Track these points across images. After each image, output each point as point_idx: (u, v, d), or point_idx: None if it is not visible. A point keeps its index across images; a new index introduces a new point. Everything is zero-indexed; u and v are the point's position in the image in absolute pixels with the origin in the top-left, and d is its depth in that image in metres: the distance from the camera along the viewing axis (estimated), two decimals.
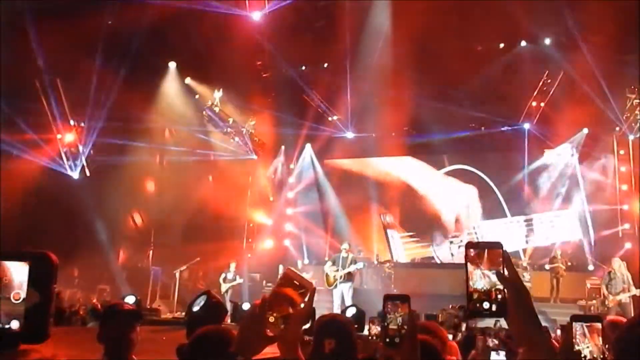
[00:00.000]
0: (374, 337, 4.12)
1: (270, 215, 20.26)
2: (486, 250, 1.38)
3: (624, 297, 11.27)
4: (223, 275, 14.99)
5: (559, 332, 9.93)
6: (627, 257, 13.27)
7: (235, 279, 14.89)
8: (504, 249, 1.37)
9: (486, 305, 1.36)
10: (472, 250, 1.39)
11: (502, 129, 16.94)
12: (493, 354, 4.20)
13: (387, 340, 1.72)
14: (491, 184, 17.58)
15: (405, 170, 18.82)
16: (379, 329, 7.82)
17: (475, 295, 1.37)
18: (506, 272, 1.36)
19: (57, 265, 1.43)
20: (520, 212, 17.30)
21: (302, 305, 1.62)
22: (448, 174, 18.28)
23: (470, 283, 1.38)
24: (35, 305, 1.34)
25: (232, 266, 15.21)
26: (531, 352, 1.35)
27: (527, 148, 17.06)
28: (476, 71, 14.66)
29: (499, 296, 1.35)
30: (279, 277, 1.70)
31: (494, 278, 1.36)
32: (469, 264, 1.39)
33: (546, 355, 1.36)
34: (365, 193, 18.83)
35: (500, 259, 1.37)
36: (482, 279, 1.37)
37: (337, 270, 12.35)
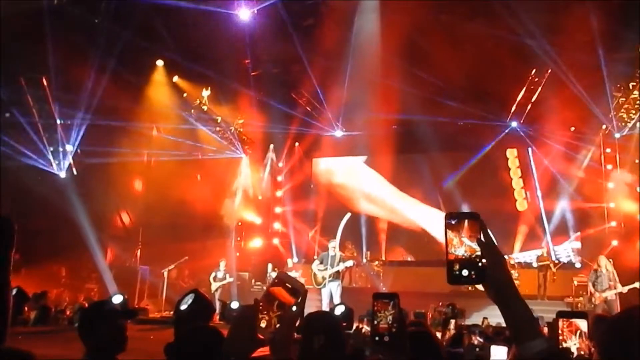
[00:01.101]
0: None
1: (259, 214, 20.25)
2: (466, 220, 1.43)
3: (610, 295, 11.35)
4: (213, 274, 14.95)
5: (545, 329, 10.01)
6: (613, 254, 13.41)
7: (225, 278, 14.85)
8: (480, 218, 1.43)
9: (465, 272, 1.40)
10: (452, 220, 1.44)
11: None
12: (493, 348, 4.24)
13: (377, 338, 1.73)
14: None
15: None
16: (367, 327, 7.84)
17: (455, 263, 1.41)
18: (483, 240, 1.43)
19: (16, 231, 1.41)
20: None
21: (294, 307, 1.62)
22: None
23: (452, 250, 1.42)
24: None
25: (222, 265, 15.16)
26: (511, 312, 1.41)
27: (514, 146, 17.19)
28: (465, 69, 14.69)
29: (479, 263, 1.40)
30: (269, 278, 1.70)
31: (474, 246, 1.41)
32: (449, 231, 1.43)
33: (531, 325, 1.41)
34: (353, 192, 18.86)
35: (479, 228, 1.42)
36: (462, 246, 1.41)
37: (326, 269, 12.34)
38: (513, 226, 17.02)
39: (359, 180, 19.30)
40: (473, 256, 1.40)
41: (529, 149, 17.26)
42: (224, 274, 14.94)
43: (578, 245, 16.18)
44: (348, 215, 18.03)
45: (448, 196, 17.42)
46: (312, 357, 2.50)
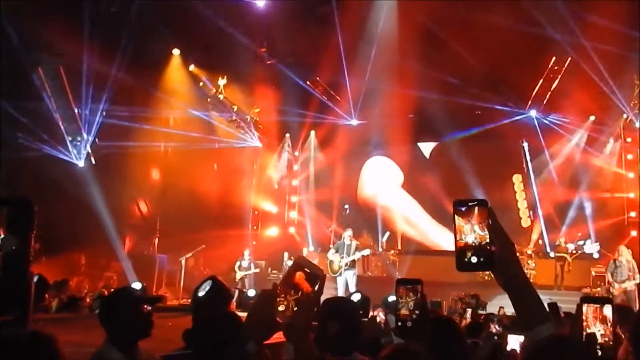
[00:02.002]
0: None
1: (275, 202, 20.29)
2: (475, 207, 1.43)
3: (630, 285, 11.25)
4: (238, 263, 15.09)
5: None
6: (632, 245, 13.23)
7: (250, 267, 14.96)
8: (489, 205, 1.43)
9: (474, 259, 1.41)
10: (461, 207, 1.44)
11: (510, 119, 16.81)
12: (510, 337, 4.24)
13: (399, 324, 1.73)
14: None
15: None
16: (382, 316, 7.84)
17: (465, 250, 1.41)
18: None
19: (36, 212, 1.41)
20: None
21: (312, 291, 1.62)
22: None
23: (462, 237, 1.42)
24: (12, 251, 1.32)
25: (246, 253, 15.28)
26: (519, 298, 1.44)
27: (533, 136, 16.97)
28: (482, 58, 14.54)
29: (488, 249, 1.40)
30: (285, 267, 1.70)
31: (483, 232, 1.41)
32: (458, 218, 1.43)
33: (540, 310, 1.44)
34: (370, 180, 18.82)
35: (487, 215, 1.42)
36: (472, 232, 1.41)
37: (342, 258, 12.34)
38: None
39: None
40: (483, 243, 1.40)
41: (541, 139, 16.96)
42: (249, 263, 15.04)
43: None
44: (387, 233, 17.90)
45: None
46: (327, 343, 2.49)
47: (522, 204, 17.05)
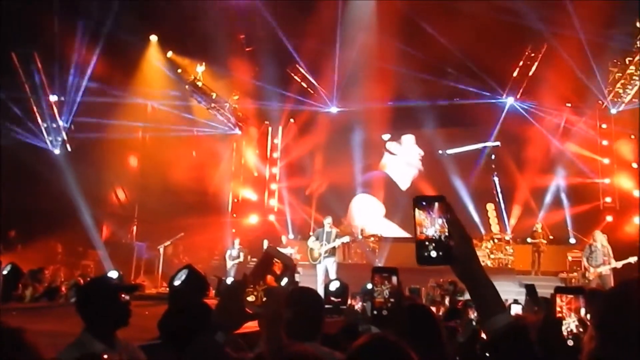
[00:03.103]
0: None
1: (254, 190, 20.24)
2: (435, 202, 1.48)
3: (605, 270, 11.43)
4: (228, 252, 15.06)
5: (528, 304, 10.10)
6: (608, 230, 13.45)
7: (239, 256, 14.92)
8: (446, 200, 1.48)
9: (434, 253, 1.45)
10: (422, 202, 1.49)
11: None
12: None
13: (375, 312, 1.72)
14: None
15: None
16: (360, 304, 7.88)
17: (425, 243, 1.46)
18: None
19: None
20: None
21: (282, 282, 1.62)
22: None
23: (423, 230, 1.47)
24: None
25: (236, 242, 15.28)
26: (476, 289, 1.48)
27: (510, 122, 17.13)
28: (460, 44, 14.58)
29: (447, 243, 1.45)
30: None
31: (443, 226, 1.46)
32: (421, 212, 1.48)
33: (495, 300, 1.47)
34: (350, 168, 18.83)
35: (446, 209, 1.47)
36: (432, 226, 1.46)
37: (322, 245, 12.36)
38: (508, 202, 17.07)
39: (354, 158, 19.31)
40: (442, 237, 1.45)
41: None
42: (238, 252, 15.01)
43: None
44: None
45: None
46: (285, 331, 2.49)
47: (495, 228, 17.31)
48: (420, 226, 1.47)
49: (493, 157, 17.70)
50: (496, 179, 17.56)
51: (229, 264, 14.83)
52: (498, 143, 17.58)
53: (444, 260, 1.45)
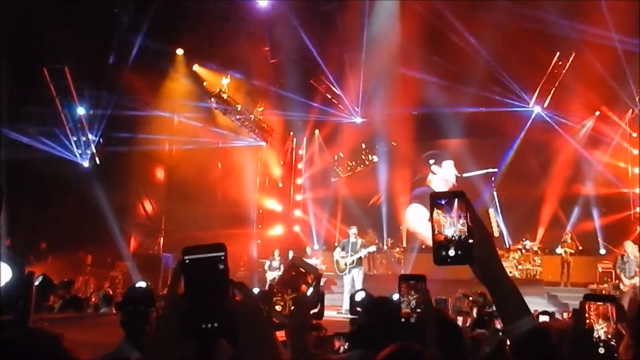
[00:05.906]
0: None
1: (279, 201, 20.30)
2: (455, 200, 1.38)
3: (638, 281, 11.19)
4: (267, 263, 15.09)
5: (565, 314, 9.92)
6: (639, 240, 13.18)
7: (280, 267, 14.91)
8: (466, 196, 1.39)
9: (452, 252, 1.36)
10: (440, 200, 1.39)
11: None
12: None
13: (402, 320, 1.72)
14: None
15: None
16: None
17: (444, 243, 1.36)
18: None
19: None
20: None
21: (308, 291, 1.62)
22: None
23: (441, 230, 1.37)
24: None
25: (276, 253, 15.34)
26: (498, 291, 1.40)
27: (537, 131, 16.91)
28: (487, 52, 14.50)
29: (467, 242, 1.36)
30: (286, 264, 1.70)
31: (462, 225, 1.36)
32: (437, 211, 1.38)
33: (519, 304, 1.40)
34: (373, 179, 18.80)
35: (466, 207, 1.37)
36: (451, 226, 1.37)
37: (348, 255, 12.34)
38: (536, 212, 16.81)
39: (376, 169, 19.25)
40: (462, 236, 1.36)
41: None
42: (279, 264, 15.01)
43: None
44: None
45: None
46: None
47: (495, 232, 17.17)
48: (438, 225, 1.38)
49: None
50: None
51: (269, 275, 14.82)
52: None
53: (463, 259, 1.36)
